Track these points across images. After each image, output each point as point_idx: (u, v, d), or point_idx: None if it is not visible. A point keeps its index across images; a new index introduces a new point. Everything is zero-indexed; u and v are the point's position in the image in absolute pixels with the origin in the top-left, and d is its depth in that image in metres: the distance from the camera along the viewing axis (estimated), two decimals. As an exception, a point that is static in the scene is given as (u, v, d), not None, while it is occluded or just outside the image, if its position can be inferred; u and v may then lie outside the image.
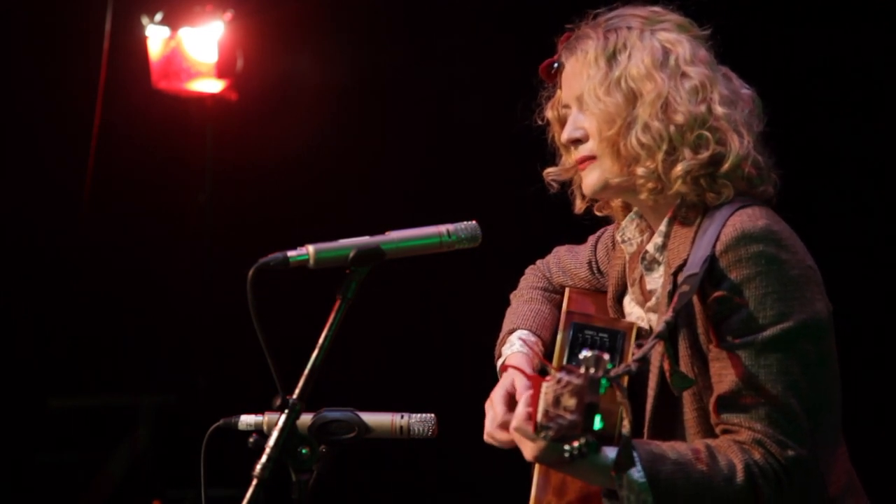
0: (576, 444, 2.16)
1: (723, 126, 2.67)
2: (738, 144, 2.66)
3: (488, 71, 6.14)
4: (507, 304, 3.10)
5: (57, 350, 6.69)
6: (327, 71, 6.55)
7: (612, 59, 2.71)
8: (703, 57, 2.74)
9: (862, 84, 5.18)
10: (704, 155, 2.65)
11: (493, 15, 6.18)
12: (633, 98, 2.69)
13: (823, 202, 5.07)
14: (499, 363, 2.96)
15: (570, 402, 2.16)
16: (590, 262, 3.04)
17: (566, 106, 2.82)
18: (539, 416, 2.25)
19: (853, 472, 2.71)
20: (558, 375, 2.20)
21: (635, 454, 2.45)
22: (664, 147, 2.66)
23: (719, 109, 2.67)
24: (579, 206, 2.92)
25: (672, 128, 2.65)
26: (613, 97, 2.69)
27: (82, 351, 6.75)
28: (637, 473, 2.46)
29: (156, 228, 6.76)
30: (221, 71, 6.65)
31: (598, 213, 2.95)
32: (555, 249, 3.16)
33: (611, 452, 2.41)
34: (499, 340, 3.01)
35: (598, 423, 2.16)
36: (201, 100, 6.75)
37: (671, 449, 2.52)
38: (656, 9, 2.80)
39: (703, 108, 2.67)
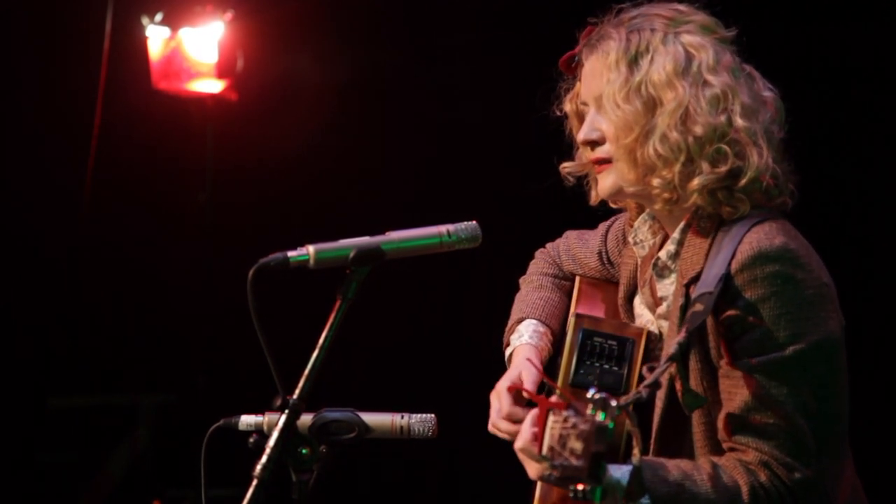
0: (580, 487, 2.14)
1: (742, 139, 2.61)
2: (757, 159, 2.61)
3: (488, 71, 6.14)
4: (508, 303, 3.09)
5: (57, 350, 6.68)
6: (327, 71, 6.55)
7: (633, 63, 2.66)
8: (726, 63, 2.68)
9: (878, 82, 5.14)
10: (722, 169, 2.60)
11: (493, 15, 6.18)
12: (652, 106, 2.64)
13: (827, 202, 5.05)
14: (507, 352, 2.96)
15: (577, 445, 2.13)
16: (600, 253, 3.02)
17: (584, 103, 2.78)
18: (544, 449, 2.23)
19: (858, 483, 2.71)
20: (565, 414, 2.17)
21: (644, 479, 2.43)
22: (682, 158, 2.61)
23: (740, 122, 2.62)
24: (594, 198, 2.87)
25: (690, 139, 2.60)
26: (633, 104, 2.64)
27: (82, 351, 6.75)
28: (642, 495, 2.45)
29: (156, 228, 6.76)
30: (221, 71, 6.65)
31: (612, 206, 2.91)
32: (565, 234, 3.14)
33: (615, 472, 2.37)
34: (507, 328, 3.00)
35: (603, 470, 2.13)
36: (201, 100, 6.74)
37: (676, 468, 2.50)
38: (681, 7, 2.73)
39: (723, 118, 2.61)
